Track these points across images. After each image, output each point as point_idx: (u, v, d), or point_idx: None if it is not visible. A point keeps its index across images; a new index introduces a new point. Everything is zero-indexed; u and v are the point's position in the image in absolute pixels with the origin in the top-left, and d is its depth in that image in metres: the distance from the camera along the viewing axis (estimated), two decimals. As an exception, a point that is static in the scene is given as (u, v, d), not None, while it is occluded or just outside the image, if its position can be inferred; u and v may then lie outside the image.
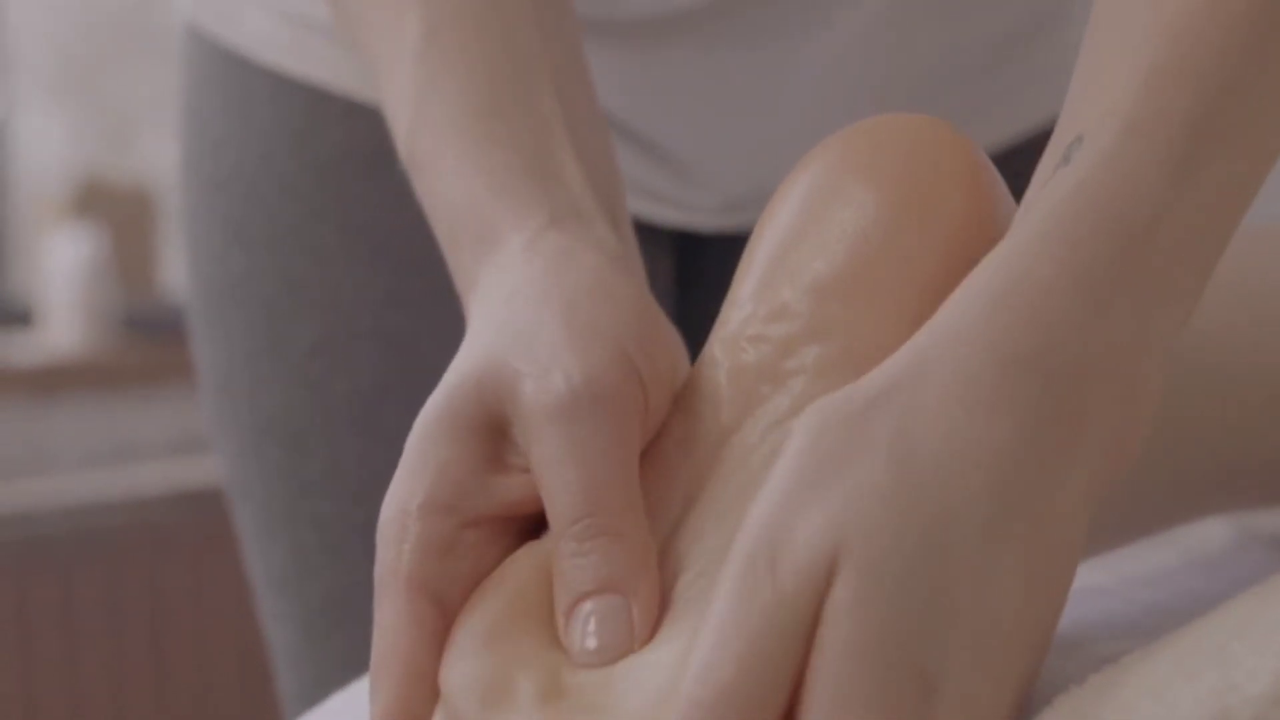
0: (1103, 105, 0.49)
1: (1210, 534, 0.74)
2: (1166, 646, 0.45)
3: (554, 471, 0.48)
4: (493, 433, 0.50)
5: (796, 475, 0.44)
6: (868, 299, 0.51)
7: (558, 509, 0.48)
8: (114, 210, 2.56)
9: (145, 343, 2.44)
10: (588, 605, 0.47)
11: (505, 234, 0.56)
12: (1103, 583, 0.65)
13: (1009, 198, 0.54)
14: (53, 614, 2.26)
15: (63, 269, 2.41)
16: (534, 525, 0.51)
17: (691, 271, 0.92)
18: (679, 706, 0.42)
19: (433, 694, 0.47)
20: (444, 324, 0.81)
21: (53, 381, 2.35)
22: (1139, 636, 0.48)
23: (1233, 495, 0.65)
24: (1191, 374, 0.59)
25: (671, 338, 0.54)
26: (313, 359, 0.85)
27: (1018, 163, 0.90)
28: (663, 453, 0.52)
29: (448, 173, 0.59)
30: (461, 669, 0.47)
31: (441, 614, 0.48)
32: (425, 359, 0.83)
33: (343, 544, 0.85)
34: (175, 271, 2.65)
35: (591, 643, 0.46)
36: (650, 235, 0.92)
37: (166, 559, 2.33)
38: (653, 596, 0.47)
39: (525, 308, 0.52)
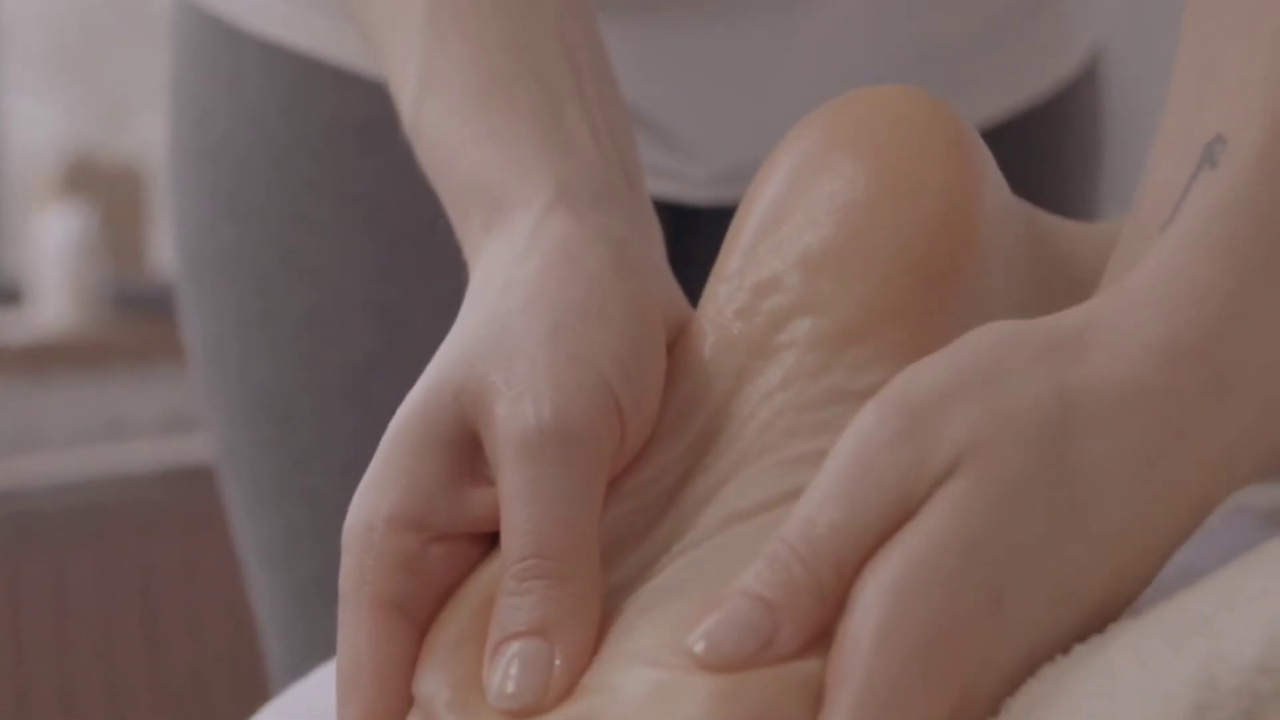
0: (1241, 106, 0.49)
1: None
2: (1152, 616, 0.45)
3: (510, 505, 0.47)
4: (466, 444, 0.49)
5: (964, 364, 0.45)
6: (857, 270, 0.51)
7: (507, 543, 0.47)
8: (104, 189, 2.55)
9: (136, 321, 2.43)
10: (513, 646, 0.46)
11: (512, 208, 0.55)
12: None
13: (995, 168, 0.55)
14: (43, 591, 2.25)
15: (53, 247, 2.41)
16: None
17: (683, 245, 0.92)
18: (775, 539, 0.44)
19: (403, 710, 0.47)
20: (437, 295, 0.81)
21: (43, 359, 2.35)
22: (1127, 610, 0.48)
23: None
24: None
25: (660, 351, 0.53)
26: (304, 331, 0.85)
27: (1011, 138, 0.91)
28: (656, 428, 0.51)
29: (456, 141, 0.58)
30: (432, 678, 0.47)
31: (410, 629, 0.48)
32: (418, 331, 0.83)
33: (333, 517, 0.85)
34: (166, 250, 2.64)
35: (509, 686, 0.45)
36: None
37: (157, 537, 2.32)
38: (582, 646, 0.46)
39: (515, 314, 0.51)
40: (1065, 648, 0.45)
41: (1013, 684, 0.44)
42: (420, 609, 0.48)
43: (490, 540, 0.49)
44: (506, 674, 0.45)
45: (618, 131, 0.59)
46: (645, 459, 0.51)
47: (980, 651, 0.43)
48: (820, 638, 0.43)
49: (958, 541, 0.43)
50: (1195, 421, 0.46)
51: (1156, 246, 0.49)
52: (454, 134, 0.58)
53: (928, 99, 0.54)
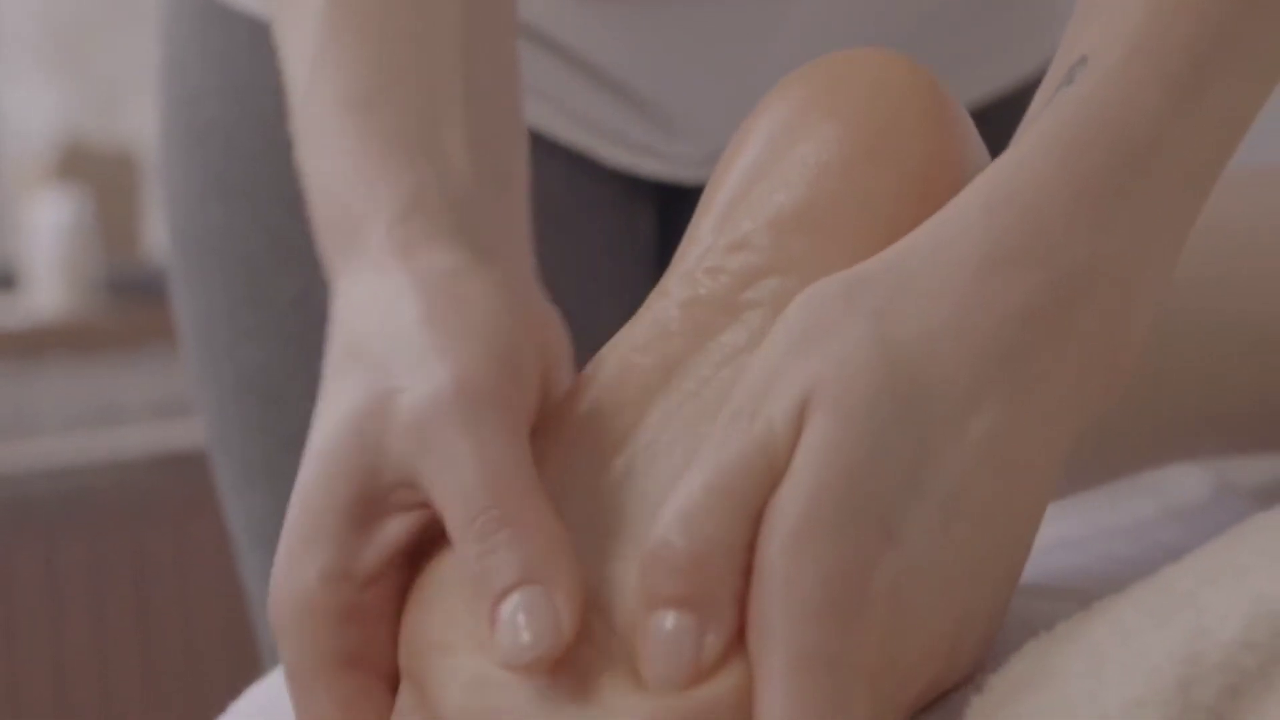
0: (1108, 28, 0.50)
1: (1187, 485, 0.74)
2: (1136, 593, 0.45)
3: (446, 476, 0.46)
4: (369, 477, 0.48)
5: (782, 344, 0.46)
6: (829, 232, 0.51)
7: (456, 511, 0.46)
8: (98, 174, 2.54)
9: (129, 306, 2.43)
10: (512, 599, 0.44)
11: (363, 223, 0.53)
12: (1078, 534, 0.65)
13: (974, 132, 0.55)
14: (36, 577, 2.25)
15: (47, 232, 2.40)
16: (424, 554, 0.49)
17: (673, 223, 0.92)
18: (649, 538, 0.44)
19: None
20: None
21: (36, 344, 2.35)
22: (1112, 589, 0.48)
23: (1208, 441, 0.66)
24: (1173, 319, 0.60)
25: (542, 324, 0.52)
26: (294, 312, 0.84)
27: (1000, 119, 0.91)
28: (607, 383, 0.51)
29: (322, 147, 0.56)
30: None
31: (374, 680, 0.47)
32: None
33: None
34: (159, 235, 2.64)
35: (524, 636, 0.43)
36: (632, 187, 0.91)
37: (150, 521, 2.32)
38: (574, 584, 0.45)
39: (386, 323, 0.50)
40: (976, 569, 0.45)
41: (927, 608, 0.44)
42: (377, 656, 0.47)
43: (412, 568, 0.48)
44: (516, 626, 0.44)
45: (502, 137, 0.58)
46: (596, 412, 0.50)
47: (886, 581, 0.43)
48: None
49: (831, 480, 0.43)
50: (1039, 325, 0.46)
51: (996, 161, 0.49)
52: (321, 139, 0.56)
53: (907, 62, 0.54)
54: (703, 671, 0.43)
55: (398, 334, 0.49)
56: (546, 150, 0.91)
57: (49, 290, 2.40)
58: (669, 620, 0.43)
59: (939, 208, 0.50)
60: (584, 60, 0.89)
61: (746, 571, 0.43)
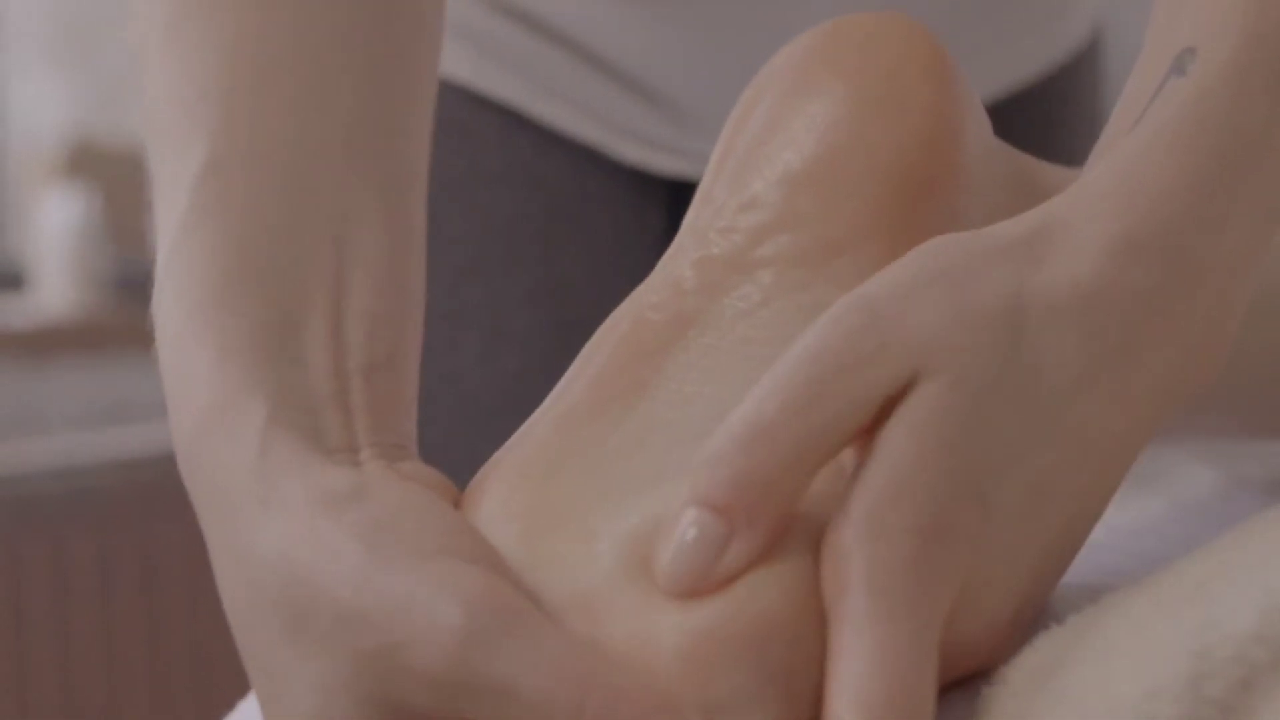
0: (1214, 19, 0.50)
1: (1199, 481, 0.74)
2: (1148, 586, 0.45)
3: (521, 694, 0.41)
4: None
5: (916, 269, 0.45)
6: (838, 188, 0.51)
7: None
8: (107, 172, 2.55)
9: (138, 304, 2.43)
10: None
11: (223, 445, 0.48)
12: (1097, 533, 0.65)
13: (976, 97, 0.55)
14: (44, 574, 2.26)
15: (55, 231, 2.41)
16: None
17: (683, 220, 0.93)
18: (711, 439, 0.43)
19: None
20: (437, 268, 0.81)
21: (45, 343, 2.35)
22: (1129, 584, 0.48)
23: (1214, 414, 0.66)
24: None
25: (428, 482, 0.49)
26: None
27: (1012, 114, 0.91)
28: (623, 338, 0.51)
29: (176, 341, 0.50)
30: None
31: None
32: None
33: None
34: (168, 234, 2.64)
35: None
36: (644, 182, 0.91)
37: (158, 520, 2.32)
38: None
39: (321, 576, 0.44)
40: (1049, 547, 0.45)
41: (1003, 582, 0.44)
42: None
43: None
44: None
45: (386, 310, 0.52)
46: (610, 369, 0.50)
47: (970, 551, 0.43)
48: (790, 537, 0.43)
49: (937, 444, 0.43)
50: (1155, 315, 0.46)
51: (1119, 147, 0.49)
52: (174, 331, 0.50)
53: (905, 20, 0.54)
54: (714, 583, 0.42)
55: (345, 582, 0.43)
56: (558, 145, 0.91)
57: (57, 289, 2.41)
58: (702, 520, 0.42)
59: (944, 159, 0.51)
60: (598, 56, 0.89)
61: (795, 500, 0.43)
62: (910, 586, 0.41)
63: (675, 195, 0.92)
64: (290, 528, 0.45)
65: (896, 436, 0.43)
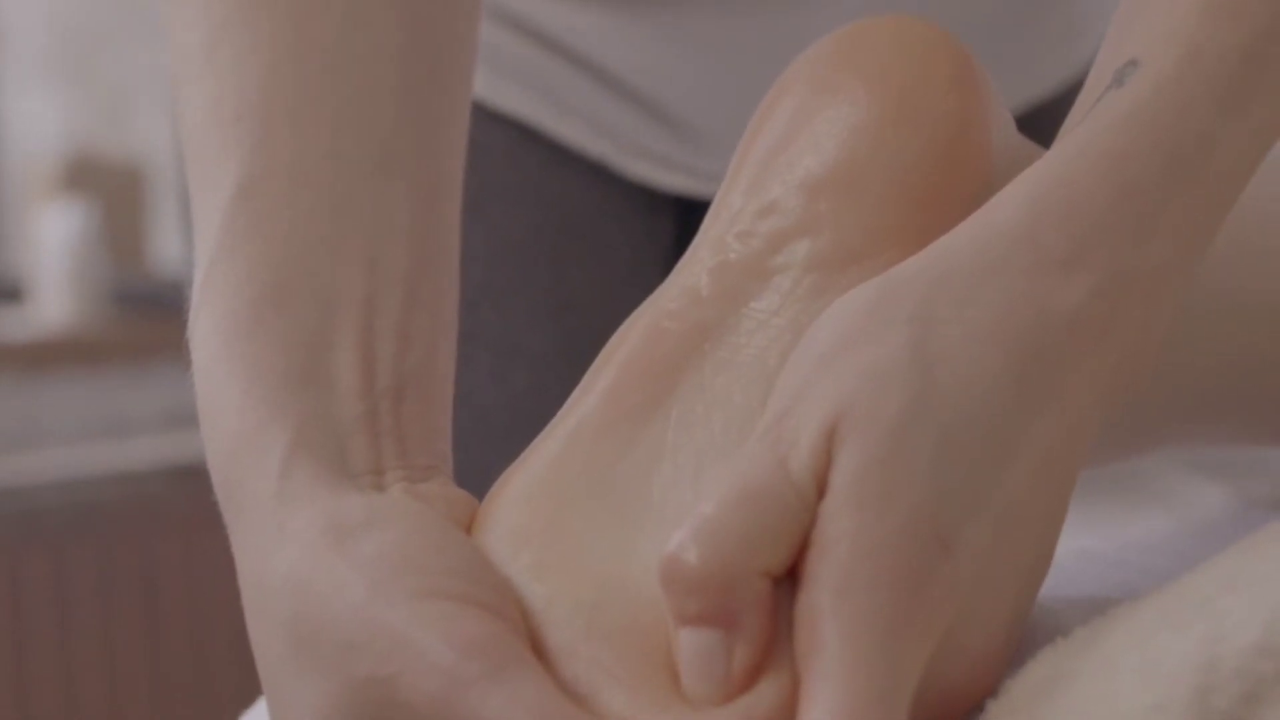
0: (1159, 32, 0.49)
1: (1207, 499, 0.74)
2: (1154, 599, 0.45)
3: None
4: None
5: (812, 356, 0.45)
6: (859, 194, 0.51)
7: None
8: (105, 185, 2.55)
9: (136, 318, 2.43)
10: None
11: (248, 472, 0.48)
12: (1099, 547, 0.65)
13: (999, 99, 0.54)
14: (44, 589, 2.25)
15: (54, 244, 2.41)
16: None
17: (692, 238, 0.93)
18: (664, 549, 0.42)
19: None
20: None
21: (44, 357, 2.35)
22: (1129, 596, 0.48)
23: (1199, 421, 0.66)
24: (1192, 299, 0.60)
25: (452, 504, 0.49)
26: None
27: (1026, 129, 0.91)
28: (636, 350, 0.50)
29: (209, 369, 0.51)
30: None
31: None
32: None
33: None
34: (166, 247, 2.64)
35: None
36: (653, 199, 0.91)
37: (158, 534, 2.32)
38: None
39: (327, 605, 0.45)
40: (1029, 570, 0.45)
41: (987, 616, 0.44)
42: None
43: None
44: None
45: (418, 331, 0.52)
46: (629, 379, 0.50)
47: (944, 596, 0.42)
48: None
49: (875, 497, 0.42)
50: (1080, 328, 0.45)
51: (1046, 155, 0.48)
52: (209, 359, 0.51)
53: (927, 25, 0.54)
54: (737, 684, 0.42)
55: (347, 614, 0.44)
56: (569, 162, 0.91)
57: (56, 302, 2.41)
58: (696, 637, 0.42)
59: (967, 167, 0.50)
60: (609, 73, 0.89)
61: (769, 589, 0.42)
62: (884, 640, 0.41)
63: (685, 213, 0.92)
64: (301, 556, 0.46)
65: (837, 502, 0.42)
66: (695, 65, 0.85)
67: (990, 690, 0.45)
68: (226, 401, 0.49)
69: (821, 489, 0.43)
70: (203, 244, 0.52)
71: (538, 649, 0.44)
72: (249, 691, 0.69)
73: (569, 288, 0.90)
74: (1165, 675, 0.41)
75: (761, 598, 0.42)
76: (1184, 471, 0.77)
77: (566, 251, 0.90)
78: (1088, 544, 0.64)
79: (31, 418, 2.33)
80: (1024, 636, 0.47)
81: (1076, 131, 0.49)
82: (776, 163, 0.52)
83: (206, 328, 0.51)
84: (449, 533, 0.47)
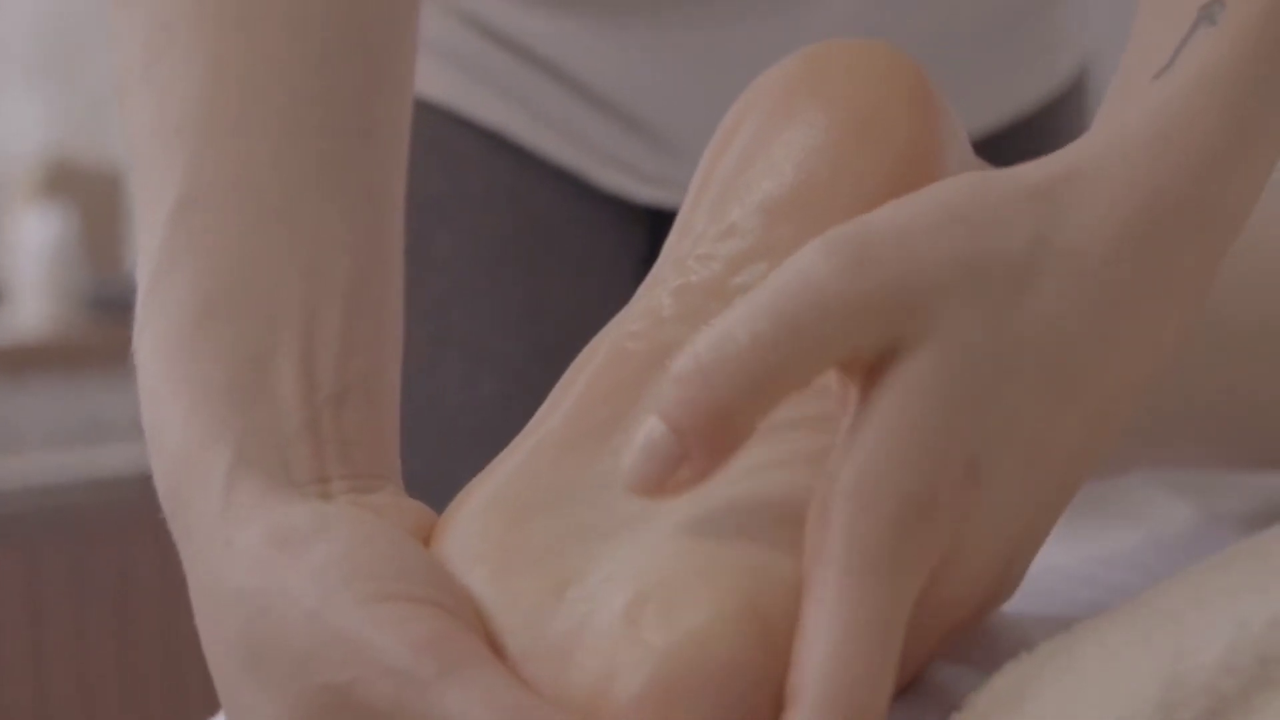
0: None
1: (1175, 515, 0.74)
2: (1120, 613, 0.45)
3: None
4: None
5: (926, 211, 0.45)
6: (817, 216, 0.51)
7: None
8: (83, 191, 2.55)
9: (113, 323, 2.43)
10: None
11: (193, 490, 0.48)
12: (1065, 561, 0.65)
13: (956, 121, 0.54)
14: (17, 593, 2.25)
15: (32, 249, 2.40)
16: None
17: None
18: (685, 352, 0.43)
19: None
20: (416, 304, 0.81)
21: (20, 361, 2.34)
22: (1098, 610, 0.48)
23: (1177, 441, 0.66)
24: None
25: (401, 510, 0.49)
26: None
27: (999, 149, 0.91)
28: (600, 369, 0.50)
29: (152, 387, 0.50)
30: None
31: None
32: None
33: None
34: (145, 253, 2.64)
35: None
36: (626, 210, 0.91)
37: (133, 539, 2.31)
38: None
39: (281, 614, 0.45)
40: (1041, 505, 0.45)
41: (991, 544, 0.44)
42: None
43: None
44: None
45: (362, 339, 0.52)
46: (604, 401, 0.50)
47: (956, 520, 0.43)
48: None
49: (932, 414, 0.42)
50: (1166, 267, 0.46)
51: (1151, 92, 0.49)
52: (152, 377, 0.51)
53: (887, 48, 0.54)
54: (666, 492, 0.43)
55: (300, 623, 0.44)
56: (540, 170, 0.91)
57: (33, 306, 2.40)
58: (657, 432, 0.43)
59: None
60: (581, 82, 0.89)
61: (751, 427, 0.43)
62: (886, 566, 0.42)
63: (656, 222, 0.92)
64: (250, 569, 0.46)
65: (889, 403, 0.43)
66: (670, 76, 0.86)
67: (979, 620, 0.46)
68: (170, 420, 0.49)
69: (876, 362, 0.43)
70: (145, 259, 0.52)
71: (497, 650, 0.44)
72: (219, 698, 0.68)
73: (540, 295, 0.90)
74: (1130, 691, 0.41)
75: (739, 438, 0.43)
76: (1152, 488, 0.78)
77: (538, 259, 0.91)
78: (1056, 560, 0.64)
79: (7, 422, 2.32)
80: (989, 649, 0.47)
81: (1178, 68, 0.49)
82: (736, 185, 0.52)
83: (149, 347, 0.51)
84: (398, 538, 0.47)
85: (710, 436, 0.43)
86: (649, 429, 0.44)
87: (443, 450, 0.85)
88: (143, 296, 0.52)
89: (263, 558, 0.46)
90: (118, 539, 2.32)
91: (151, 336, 0.51)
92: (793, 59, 0.55)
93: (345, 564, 0.45)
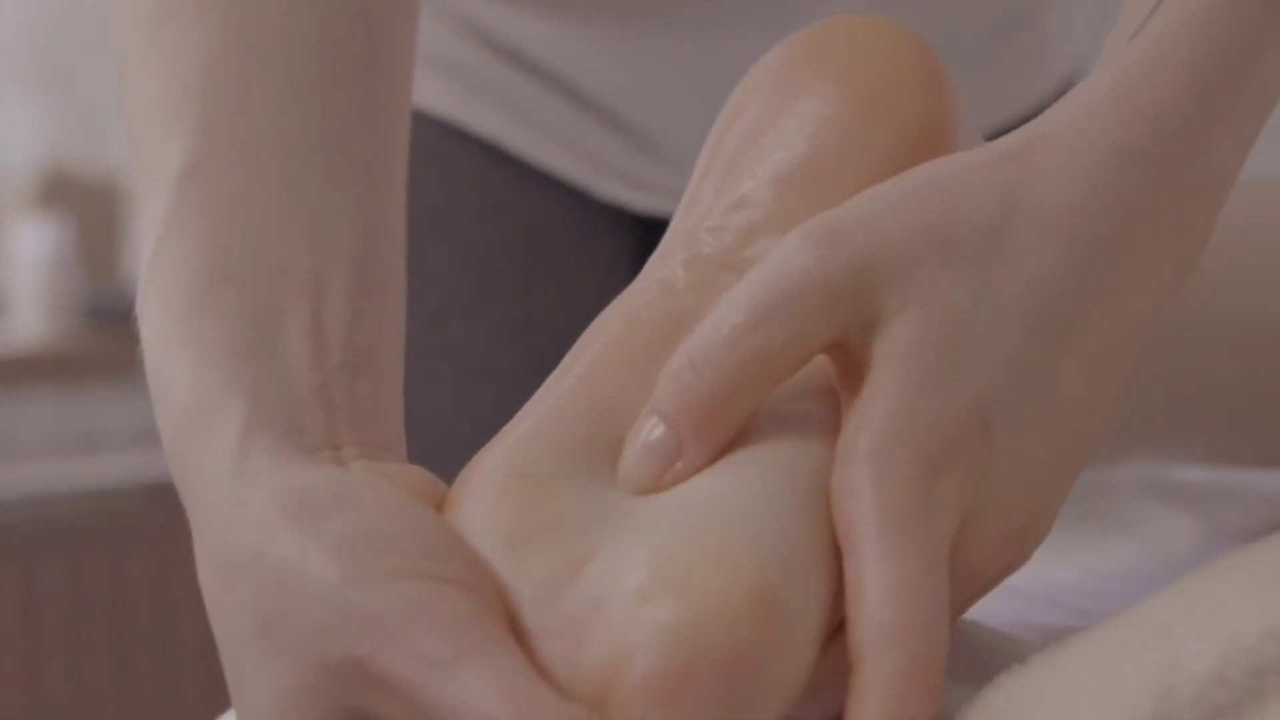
0: None
1: (1175, 529, 0.74)
2: (1111, 627, 0.45)
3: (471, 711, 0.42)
4: None
5: (894, 193, 0.47)
6: (828, 187, 0.51)
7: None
8: (80, 201, 2.55)
9: (110, 333, 2.43)
10: None
11: (203, 447, 0.48)
12: (1062, 576, 0.65)
13: (963, 95, 0.55)
14: (13, 604, 2.24)
15: (29, 259, 2.40)
16: None
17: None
18: (679, 349, 0.46)
19: None
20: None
21: (16, 371, 2.34)
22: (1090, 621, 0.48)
23: (1180, 434, 0.67)
24: (1189, 315, 0.61)
25: (417, 481, 0.49)
26: None
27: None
28: (613, 339, 0.51)
29: (158, 344, 0.50)
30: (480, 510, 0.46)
31: None
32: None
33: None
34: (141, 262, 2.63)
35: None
36: (622, 220, 0.92)
37: (129, 550, 2.31)
38: None
39: (294, 586, 0.44)
40: (1053, 461, 0.46)
41: (1006, 502, 0.45)
42: None
43: None
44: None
45: (364, 313, 0.52)
46: (618, 372, 0.50)
47: (973, 476, 0.44)
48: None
49: (930, 373, 0.44)
50: (1144, 223, 0.47)
51: (1122, 54, 0.50)
52: (159, 335, 0.51)
53: (894, 23, 0.55)
54: (663, 486, 0.46)
55: (319, 595, 0.44)
56: (537, 180, 0.91)
57: (30, 317, 2.40)
58: (655, 430, 0.46)
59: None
60: (578, 91, 0.89)
61: (743, 414, 0.46)
62: (918, 517, 0.43)
63: (654, 233, 0.92)
64: (264, 534, 0.45)
65: (887, 372, 0.44)
66: (666, 84, 0.86)
67: (1010, 571, 0.47)
68: (177, 376, 0.49)
69: (861, 340, 0.45)
70: (150, 223, 0.52)
71: (512, 624, 0.44)
72: (216, 708, 0.69)
73: (536, 306, 0.90)
74: (1122, 703, 0.41)
75: (731, 426, 0.46)
76: (1148, 500, 0.78)
77: (534, 270, 0.91)
78: (1052, 572, 0.64)
79: (3, 431, 2.32)
80: (981, 663, 0.47)
81: (1145, 33, 0.50)
82: (747, 157, 0.53)
83: (154, 304, 0.51)
84: (418, 509, 0.47)
85: (702, 427, 0.45)
86: (646, 430, 0.46)
87: (440, 460, 0.85)
88: (148, 258, 0.52)
89: (279, 523, 0.45)
90: (114, 549, 2.32)
91: (157, 294, 0.51)
92: (801, 34, 0.55)
93: (366, 536, 0.45)
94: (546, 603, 0.44)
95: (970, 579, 0.46)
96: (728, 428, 0.46)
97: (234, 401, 0.48)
